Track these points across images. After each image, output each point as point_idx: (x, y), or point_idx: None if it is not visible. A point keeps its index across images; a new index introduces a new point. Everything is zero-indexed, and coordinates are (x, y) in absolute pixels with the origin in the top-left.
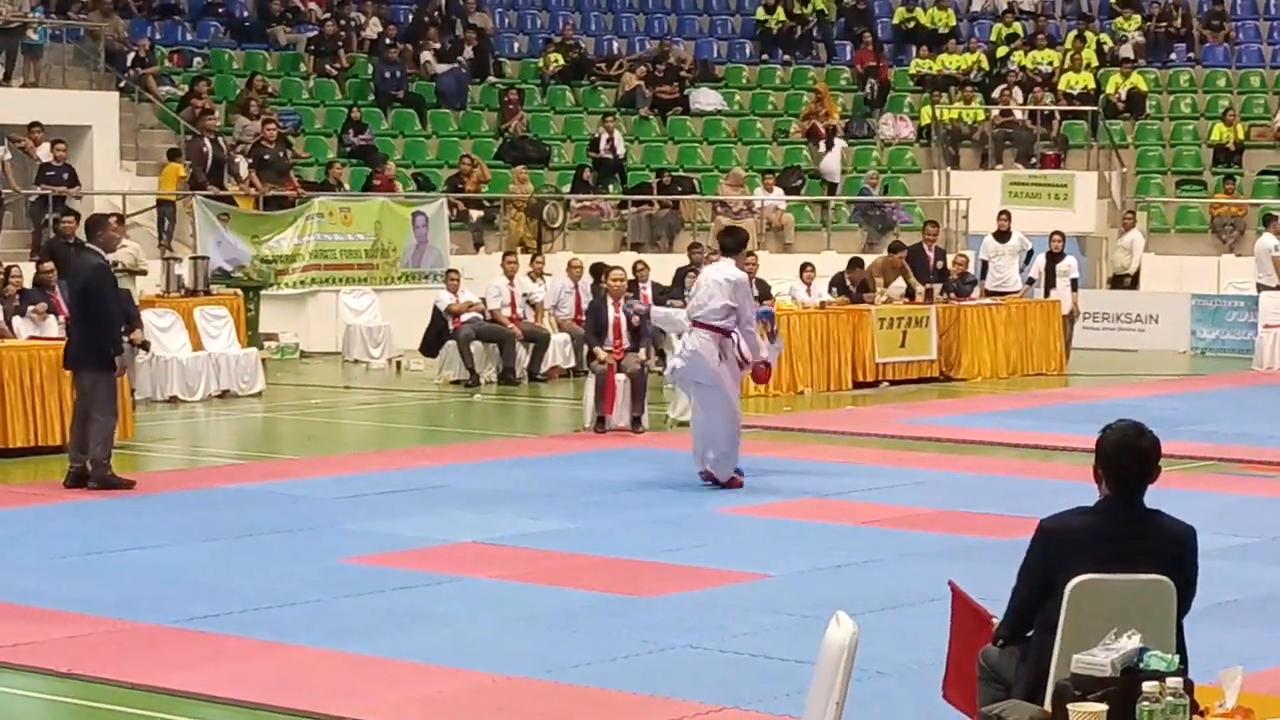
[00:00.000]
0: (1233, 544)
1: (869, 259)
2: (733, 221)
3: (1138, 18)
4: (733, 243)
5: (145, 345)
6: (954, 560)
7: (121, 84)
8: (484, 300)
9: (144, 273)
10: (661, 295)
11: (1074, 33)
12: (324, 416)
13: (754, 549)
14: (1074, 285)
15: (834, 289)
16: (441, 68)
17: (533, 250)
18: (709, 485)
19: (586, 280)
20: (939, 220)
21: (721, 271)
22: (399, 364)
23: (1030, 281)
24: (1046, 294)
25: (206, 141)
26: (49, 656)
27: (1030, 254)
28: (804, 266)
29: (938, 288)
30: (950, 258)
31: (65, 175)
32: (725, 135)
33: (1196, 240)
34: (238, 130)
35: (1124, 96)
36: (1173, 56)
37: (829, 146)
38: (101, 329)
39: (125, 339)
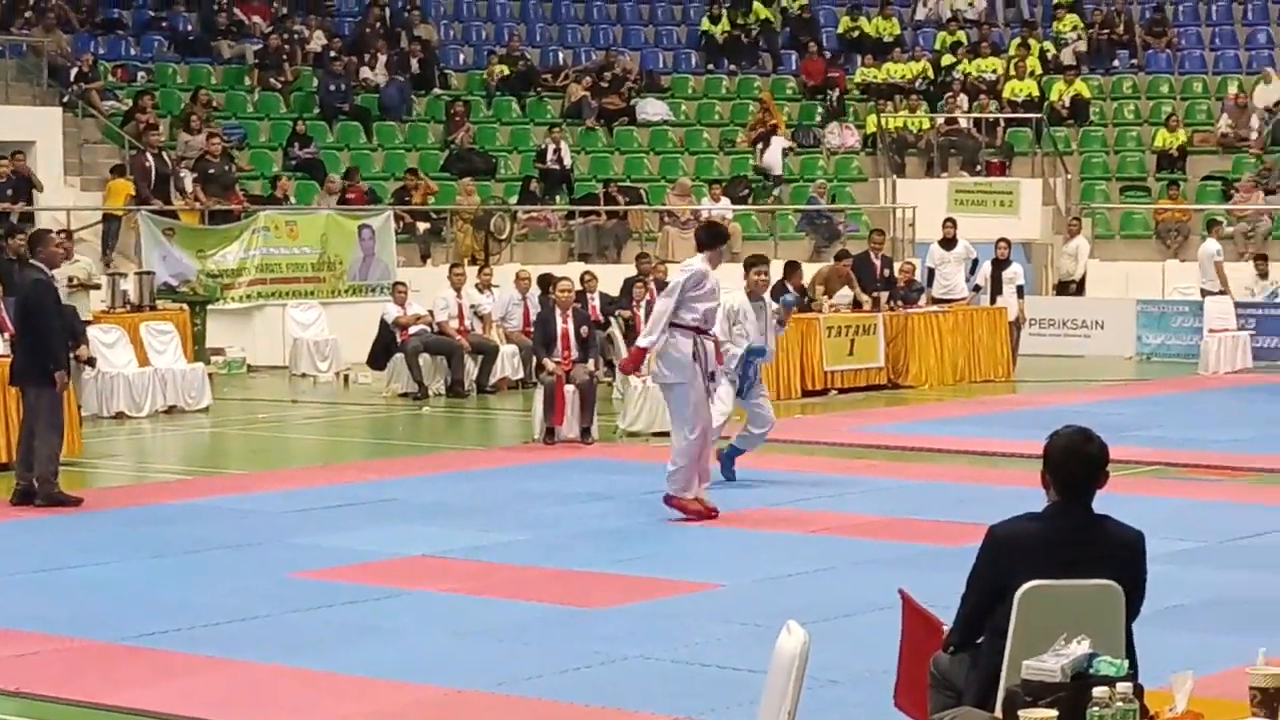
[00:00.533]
0: (1180, 548)
1: (814, 267)
2: (685, 229)
3: (1077, 18)
4: (706, 237)
5: (91, 361)
6: (904, 568)
7: (65, 99)
8: (431, 313)
9: (98, 287)
10: (610, 305)
11: (1017, 40)
12: (271, 431)
13: (706, 559)
14: (1020, 292)
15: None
16: (382, 79)
17: (480, 262)
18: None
19: (534, 291)
20: (885, 229)
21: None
22: (346, 377)
23: (976, 289)
24: (993, 301)
25: (149, 156)
26: None
27: (976, 262)
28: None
29: (884, 296)
30: (897, 266)
31: (9, 191)
32: (671, 145)
33: (1141, 246)
34: (182, 145)
35: (1068, 103)
36: (1115, 63)
37: (766, 144)
38: (42, 345)
39: (71, 355)
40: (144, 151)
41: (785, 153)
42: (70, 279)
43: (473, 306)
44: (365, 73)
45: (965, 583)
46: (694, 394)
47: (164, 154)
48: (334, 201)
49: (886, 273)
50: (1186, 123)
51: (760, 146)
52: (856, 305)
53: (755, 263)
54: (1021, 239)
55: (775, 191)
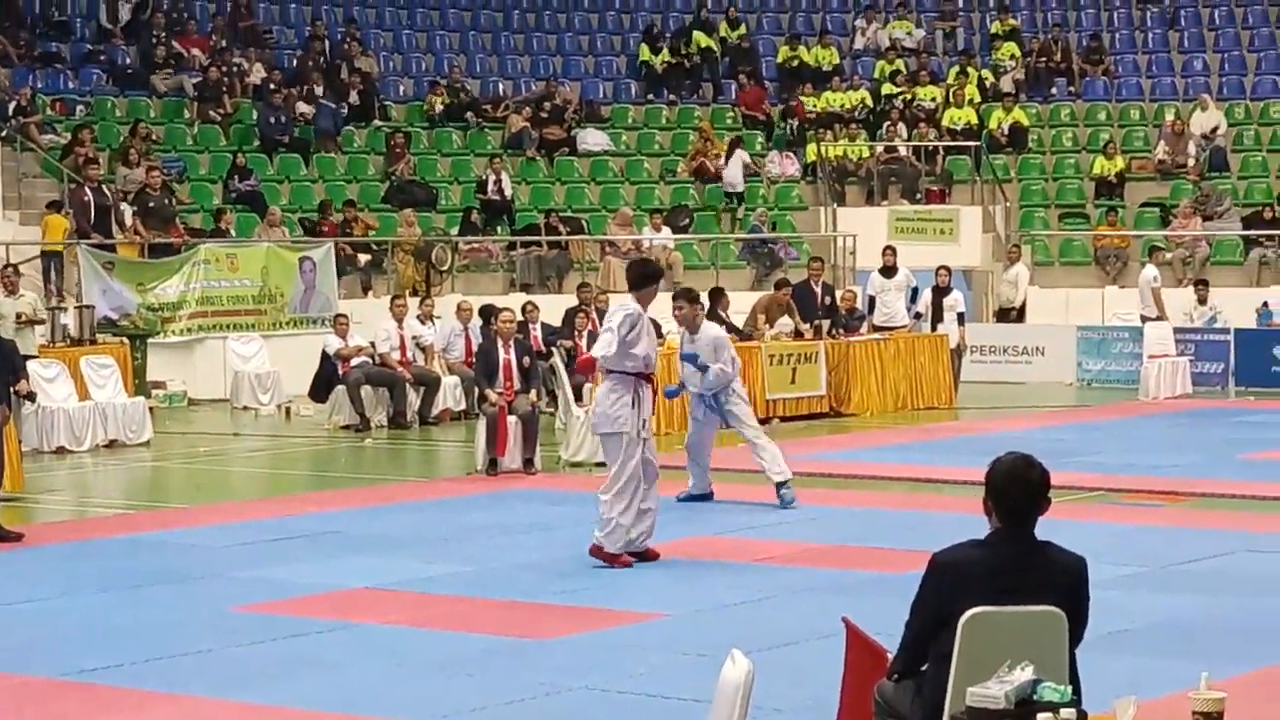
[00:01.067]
0: (1122, 573)
1: (755, 296)
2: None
3: (1015, 46)
4: (637, 277)
5: (31, 396)
6: (848, 595)
7: (3, 133)
8: (373, 344)
9: (43, 322)
10: (551, 335)
11: (956, 68)
12: (213, 464)
13: (650, 589)
14: (960, 319)
15: (723, 328)
16: (310, 109)
17: (422, 293)
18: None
19: (476, 322)
20: (826, 257)
21: (615, 311)
22: (288, 410)
23: (918, 316)
24: (934, 328)
25: (88, 190)
26: None
27: (916, 290)
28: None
29: (826, 324)
30: (839, 293)
31: None
32: (612, 175)
33: (1080, 272)
34: (121, 178)
35: (1006, 131)
36: (1053, 91)
37: (729, 156)
38: None
39: (10, 390)
40: (83, 185)
41: (747, 169)
42: (19, 315)
43: (414, 338)
44: (303, 107)
45: (909, 610)
46: (628, 448)
47: (104, 187)
48: (277, 234)
49: (827, 300)
50: (1124, 149)
51: (720, 163)
52: (797, 334)
53: (677, 297)
54: (962, 266)
55: (737, 209)
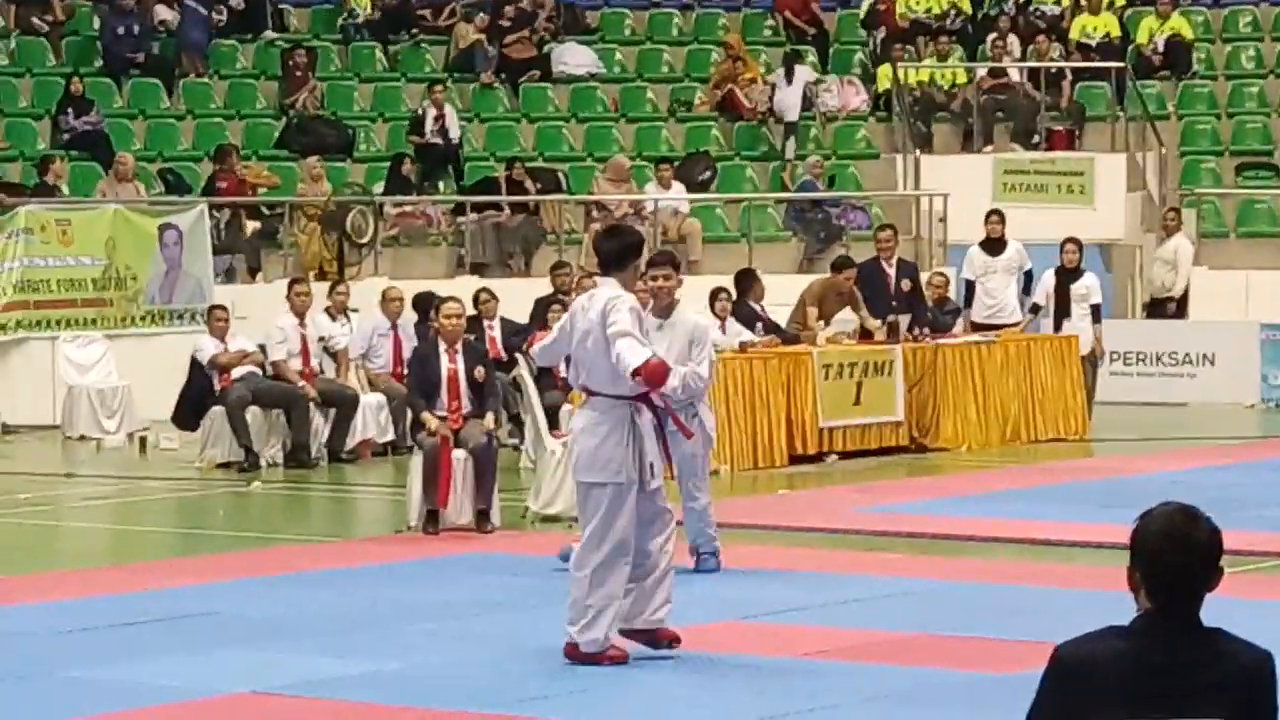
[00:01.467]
0: None
1: (802, 280)
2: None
3: None
4: (616, 248)
5: None
6: (932, 706)
7: None
8: (264, 348)
9: None
10: (515, 337)
11: None
12: (37, 518)
13: (651, 696)
14: (1096, 314)
15: (759, 325)
16: (173, 16)
17: (333, 276)
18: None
19: (409, 318)
20: (904, 224)
21: (606, 301)
22: (144, 440)
23: (1035, 309)
24: (1058, 326)
25: None
26: None
27: (1030, 274)
28: (716, 294)
29: (904, 320)
30: (924, 277)
31: None
32: (602, 110)
33: (1265, 248)
34: None
35: (1161, 47)
36: None
37: (789, 75)
38: None
39: None
40: None
41: (809, 91)
42: None
43: (321, 339)
44: (164, 12)
45: None
46: (614, 501)
47: None
48: (127, 192)
49: (906, 287)
50: None
51: (779, 79)
52: (864, 334)
53: (655, 262)
54: (1098, 239)
55: (788, 148)
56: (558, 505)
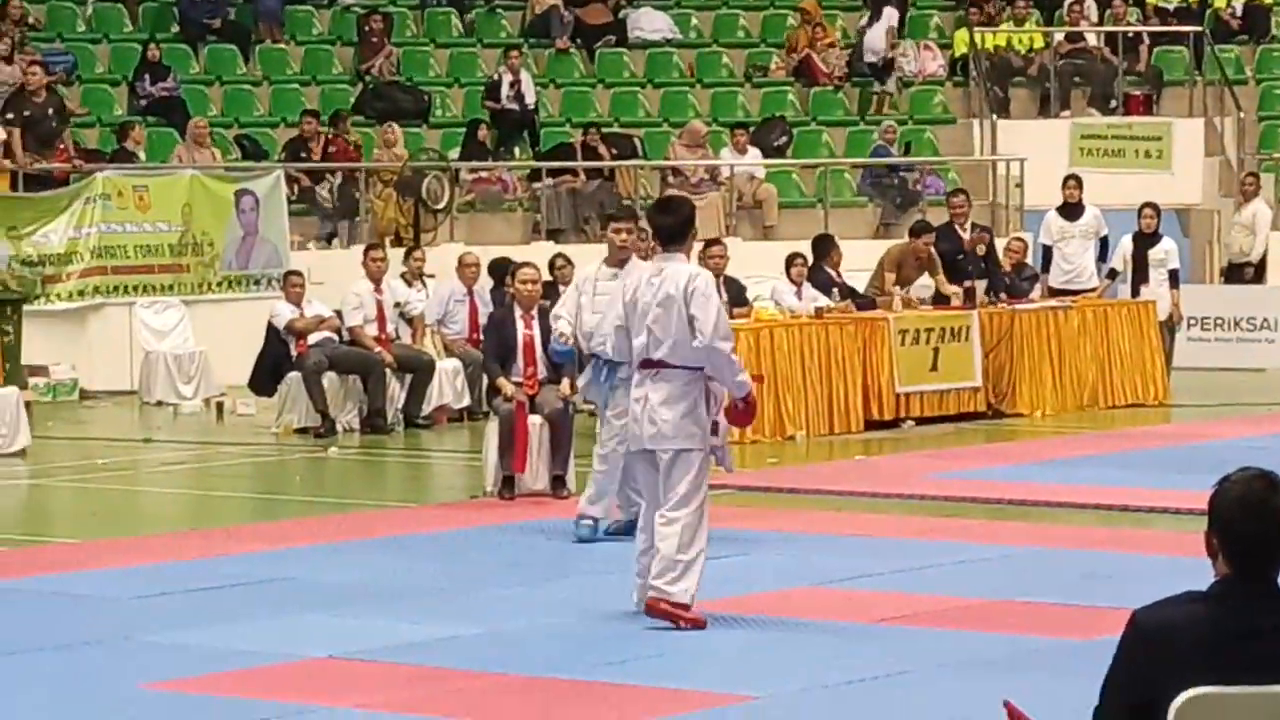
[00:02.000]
0: None
1: (878, 245)
2: (695, 194)
3: None
4: (676, 222)
5: None
6: (1010, 671)
7: None
8: (340, 314)
9: None
10: None
11: None
12: (115, 483)
13: (730, 660)
14: (1174, 279)
15: (835, 290)
16: None
17: (408, 242)
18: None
19: (485, 283)
20: (982, 189)
21: (674, 273)
22: (220, 406)
23: (1113, 275)
24: (1135, 292)
25: None
26: None
27: (1106, 240)
28: (792, 259)
29: (981, 285)
30: (1001, 243)
31: None
32: (678, 75)
33: None
34: None
35: (1240, 11)
36: None
37: (875, 14)
38: None
39: None
40: None
41: (892, 34)
42: None
43: (398, 305)
44: None
45: (1099, 691)
46: (706, 466)
47: None
48: (204, 157)
49: (980, 252)
50: None
51: (863, 22)
52: (940, 299)
53: (618, 218)
54: (1175, 204)
55: (888, 91)
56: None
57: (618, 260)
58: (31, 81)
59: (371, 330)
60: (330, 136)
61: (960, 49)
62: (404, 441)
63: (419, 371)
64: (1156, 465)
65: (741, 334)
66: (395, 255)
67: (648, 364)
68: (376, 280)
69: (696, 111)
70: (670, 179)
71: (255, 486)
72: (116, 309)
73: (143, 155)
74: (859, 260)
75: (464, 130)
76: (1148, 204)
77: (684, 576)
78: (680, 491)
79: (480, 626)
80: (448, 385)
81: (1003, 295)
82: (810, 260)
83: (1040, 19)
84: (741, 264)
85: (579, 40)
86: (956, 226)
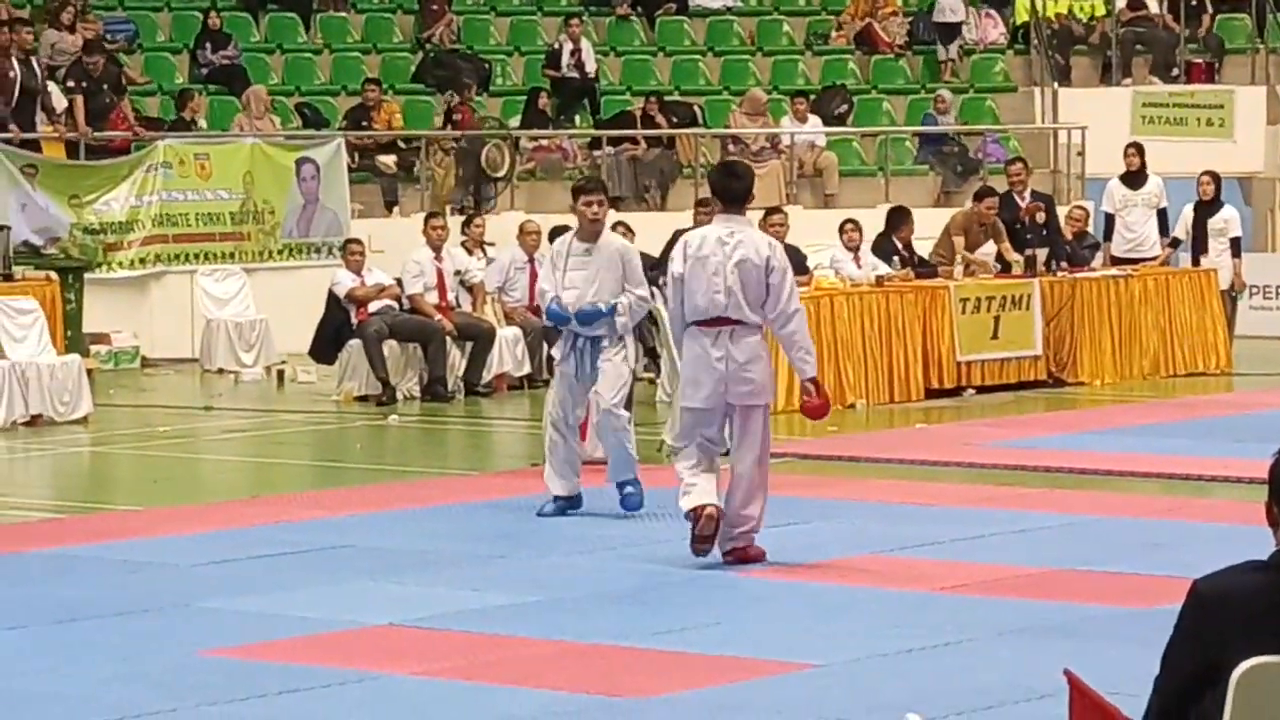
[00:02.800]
0: None
1: (939, 214)
2: (756, 162)
3: None
4: (743, 187)
5: None
6: (1070, 639)
7: None
8: (400, 282)
9: None
10: (652, 271)
11: None
12: (176, 450)
13: (788, 628)
14: (1235, 247)
15: (895, 258)
16: None
17: (469, 211)
18: (730, 562)
19: (546, 251)
20: (1043, 157)
21: (749, 239)
22: (281, 374)
23: (1175, 243)
24: (1196, 260)
25: (14, 63)
26: None
27: (1165, 211)
28: (844, 225)
29: (1042, 253)
30: (1063, 211)
31: None
32: (739, 43)
33: None
34: (47, 47)
35: None
36: None
37: None
38: None
39: None
40: (7, 55)
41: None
42: None
43: (458, 273)
44: None
45: (1160, 660)
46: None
47: (33, 60)
48: (264, 126)
49: (1040, 219)
50: None
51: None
52: (1003, 267)
53: (588, 189)
54: (1237, 172)
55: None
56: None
57: (591, 233)
58: (91, 50)
59: (432, 298)
60: (455, 104)
61: (1022, 17)
62: (464, 409)
63: (479, 339)
64: (1217, 434)
65: (803, 302)
66: (456, 224)
67: (722, 321)
68: (437, 248)
69: (757, 80)
70: (731, 147)
71: (315, 454)
72: (178, 277)
73: (203, 124)
74: (920, 229)
75: (525, 99)
76: (1206, 172)
77: (759, 520)
78: (760, 445)
79: (540, 594)
80: (508, 353)
81: (1064, 264)
82: (882, 229)
83: None
84: (802, 232)
85: (640, 8)
86: (1015, 195)
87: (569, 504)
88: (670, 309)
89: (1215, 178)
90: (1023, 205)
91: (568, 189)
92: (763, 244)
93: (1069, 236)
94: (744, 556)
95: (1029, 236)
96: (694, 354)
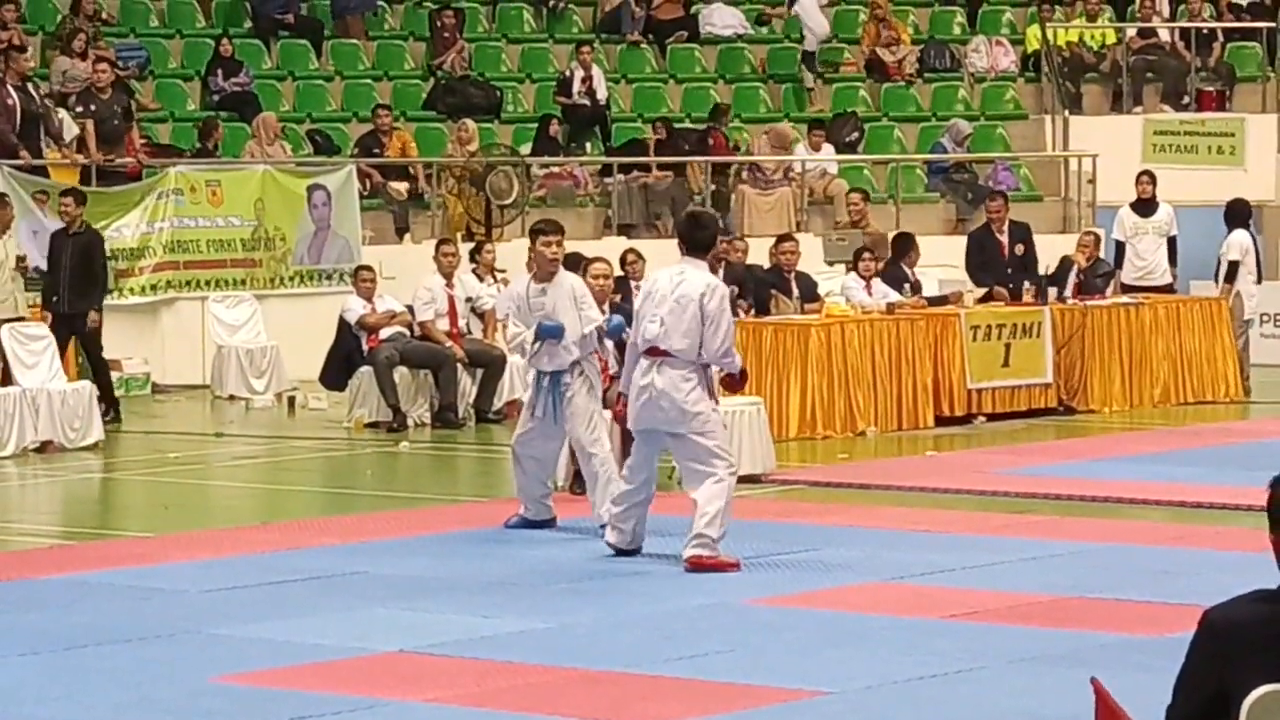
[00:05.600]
0: None
1: (951, 241)
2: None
3: None
4: (708, 237)
5: None
6: (1081, 667)
7: None
8: (411, 309)
9: None
10: None
11: None
12: (187, 477)
13: (801, 655)
14: (1230, 272)
15: (906, 285)
16: None
17: (480, 237)
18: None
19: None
20: (1054, 185)
21: (694, 278)
22: (292, 401)
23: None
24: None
25: (12, 91)
26: None
27: (1174, 240)
28: (860, 254)
29: (1053, 291)
30: (1073, 239)
31: None
32: (749, 70)
33: None
34: (59, 74)
35: None
36: None
37: None
38: None
39: None
40: (3, 83)
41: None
42: None
43: (469, 300)
44: None
45: (1172, 689)
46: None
47: (31, 86)
48: (276, 152)
49: (1019, 250)
50: None
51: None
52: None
53: (544, 231)
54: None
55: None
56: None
57: (547, 274)
58: (102, 77)
59: (443, 325)
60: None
61: (1032, 45)
62: (475, 436)
63: (490, 366)
64: (1228, 462)
65: (812, 329)
66: (466, 251)
67: (655, 350)
68: (448, 275)
69: (768, 107)
70: (747, 175)
71: (326, 481)
72: (189, 303)
73: (216, 150)
74: (932, 256)
75: (536, 125)
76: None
77: (721, 524)
78: (726, 447)
79: (551, 621)
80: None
81: (1076, 291)
82: (889, 256)
83: (1113, 15)
84: (813, 259)
85: (650, 35)
86: (994, 230)
87: (535, 525)
88: (629, 340)
89: (1231, 207)
90: (1002, 239)
91: (579, 216)
92: (703, 285)
93: (1082, 263)
94: (699, 564)
95: (1008, 270)
96: (632, 379)
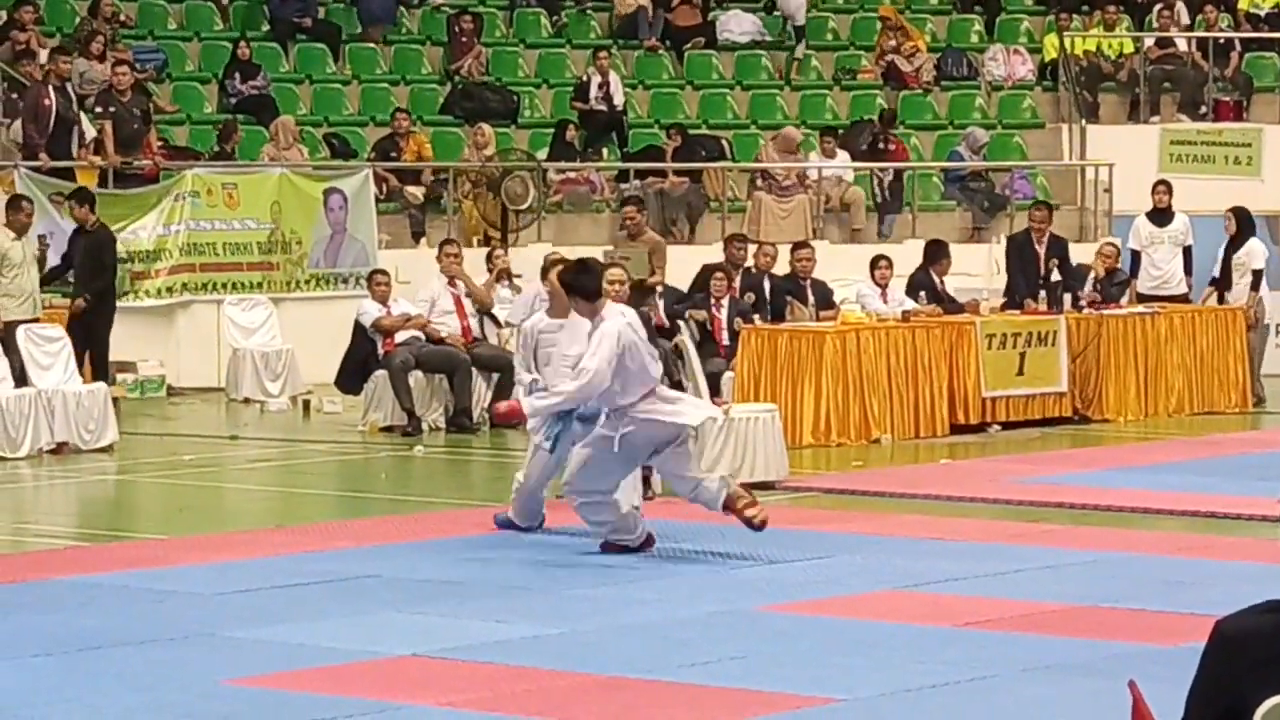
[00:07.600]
0: None
1: (969, 250)
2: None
3: None
4: (596, 284)
5: None
6: (1095, 676)
7: None
8: (427, 313)
9: None
10: (679, 304)
11: None
12: (201, 479)
13: (812, 662)
14: (1256, 280)
15: (922, 293)
16: None
17: (495, 242)
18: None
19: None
20: (1070, 194)
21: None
22: (307, 404)
23: (1213, 282)
24: (1222, 298)
25: (50, 91)
26: None
27: (1190, 250)
28: (877, 261)
29: (1068, 298)
30: (1093, 248)
31: None
32: (767, 77)
33: None
34: (77, 76)
35: None
36: None
37: None
38: None
39: None
40: (44, 84)
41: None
42: None
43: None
44: None
45: (1185, 700)
46: None
47: (70, 88)
48: (292, 156)
49: (1053, 265)
50: None
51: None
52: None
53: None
54: (1265, 210)
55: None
56: (720, 470)
57: (563, 309)
58: (120, 80)
59: (452, 324)
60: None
61: (1050, 53)
62: (489, 440)
63: (505, 371)
64: (1243, 472)
65: (828, 337)
66: (473, 256)
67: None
68: (450, 275)
69: (785, 114)
70: (759, 182)
71: (341, 484)
72: (204, 306)
73: (233, 153)
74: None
75: (552, 131)
76: (1230, 209)
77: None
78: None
79: (564, 626)
80: None
81: (1092, 300)
82: (920, 263)
83: (1130, 24)
84: (828, 267)
85: (668, 41)
86: (1034, 239)
87: (522, 529)
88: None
89: (1238, 214)
90: (1040, 251)
91: (595, 222)
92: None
93: (1101, 273)
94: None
95: (1040, 282)
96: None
